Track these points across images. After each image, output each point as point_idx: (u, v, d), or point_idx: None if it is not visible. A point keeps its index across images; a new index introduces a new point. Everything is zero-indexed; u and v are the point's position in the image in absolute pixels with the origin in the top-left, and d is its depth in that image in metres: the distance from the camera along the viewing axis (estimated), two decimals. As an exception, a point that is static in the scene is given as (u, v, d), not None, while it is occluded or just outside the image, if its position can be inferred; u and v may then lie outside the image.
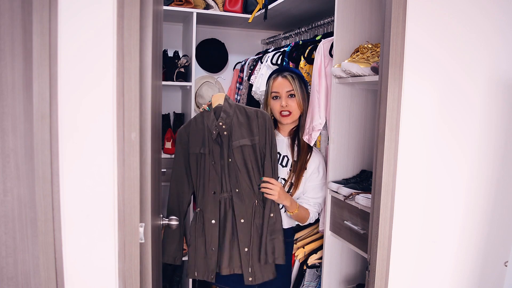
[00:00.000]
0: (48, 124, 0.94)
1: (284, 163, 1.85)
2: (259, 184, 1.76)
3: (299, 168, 1.81)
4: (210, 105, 1.83)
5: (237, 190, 1.76)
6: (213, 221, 1.77)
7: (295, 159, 1.83)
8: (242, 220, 1.75)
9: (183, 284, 2.75)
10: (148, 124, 1.11)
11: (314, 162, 1.86)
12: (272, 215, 1.75)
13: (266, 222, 1.74)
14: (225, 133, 1.75)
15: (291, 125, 1.89)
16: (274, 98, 1.85)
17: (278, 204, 1.76)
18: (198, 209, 1.82)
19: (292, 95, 1.84)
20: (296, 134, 1.87)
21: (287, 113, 1.82)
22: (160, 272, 1.67)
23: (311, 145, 2.06)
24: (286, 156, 1.85)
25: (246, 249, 1.75)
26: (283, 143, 1.88)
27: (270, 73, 1.92)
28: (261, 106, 2.50)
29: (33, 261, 0.98)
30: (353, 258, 2.01)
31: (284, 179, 1.82)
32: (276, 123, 1.90)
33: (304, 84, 1.86)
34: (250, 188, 1.76)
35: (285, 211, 1.84)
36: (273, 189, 1.72)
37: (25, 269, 0.98)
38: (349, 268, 2.01)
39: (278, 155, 1.84)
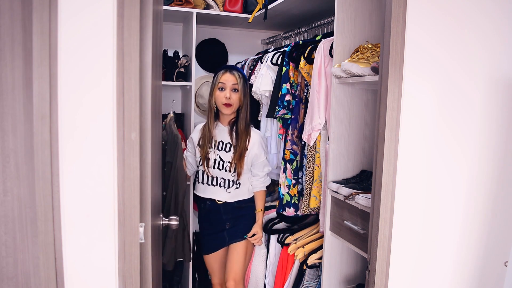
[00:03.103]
0: (48, 124, 0.94)
1: (227, 149, 2.18)
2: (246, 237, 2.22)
3: (239, 151, 2.14)
4: (165, 122, 2.27)
5: (164, 193, 2.19)
6: None
7: (234, 144, 2.16)
8: None
9: (183, 284, 2.75)
10: (148, 124, 1.11)
11: (254, 143, 2.17)
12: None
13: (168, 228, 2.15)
14: (166, 147, 2.16)
15: (230, 116, 2.19)
16: (220, 89, 2.15)
17: (175, 213, 2.19)
18: None
19: (235, 90, 2.14)
20: (234, 123, 2.19)
21: (228, 104, 2.13)
22: (160, 272, 1.67)
23: (311, 145, 2.06)
24: (229, 142, 2.18)
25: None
26: (224, 132, 2.20)
27: (220, 69, 2.25)
28: (261, 105, 2.51)
29: (33, 261, 0.98)
30: (353, 258, 2.01)
31: (229, 162, 2.16)
32: (217, 115, 2.22)
33: (246, 83, 2.20)
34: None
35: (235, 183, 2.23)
36: (259, 238, 2.23)
37: (25, 269, 0.98)
38: (349, 268, 2.01)
39: (221, 143, 2.19)
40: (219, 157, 2.18)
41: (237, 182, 2.20)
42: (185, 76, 2.85)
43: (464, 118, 1.37)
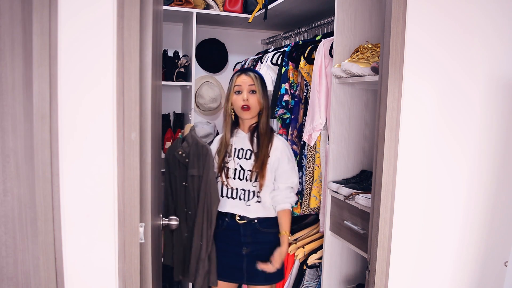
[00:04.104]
0: (48, 124, 0.94)
1: (247, 156, 1.96)
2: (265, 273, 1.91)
3: (261, 158, 1.92)
4: (182, 133, 2.05)
5: (189, 213, 1.94)
6: (186, 234, 1.95)
7: (256, 150, 1.95)
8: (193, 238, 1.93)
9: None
10: (148, 124, 1.11)
11: (276, 149, 1.94)
12: (201, 242, 1.88)
13: (197, 247, 1.90)
14: (186, 160, 1.93)
15: (251, 121, 1.98)
16: (237, 92, 1.95)
17: (209, 233, 1.90)
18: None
19: (253, 91, 1.93)
20: (255, 129, 1.98)
21: (247, 107, 1.92)
22: (160, 272, 1.67)
23: (311, 145, 2.06)
24: (249, 149, 1.97)
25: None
26: (245, 139, 1.99)
27: (234, 72, 2.08)
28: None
29: (33, 261, 0.97)
30: (353, 258, 2.01)
31: (250, 170, 1.93)
32: (237, 121, 2.01)
33: (265, 85, 1.99)
34: (194, 213, 1.91)
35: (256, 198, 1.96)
36: (275, 267, 1.89)
37: (25, 269, 0.98)
38: (349, 268, 2.01)
39: (242, 150, 1.98)
40: (240, 165, 1.96)
41: (258, 195, 1.94)
42: (185, 76, 2.85)
43: (464, 118, 1.37)
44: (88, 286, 1.05)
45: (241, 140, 1.99)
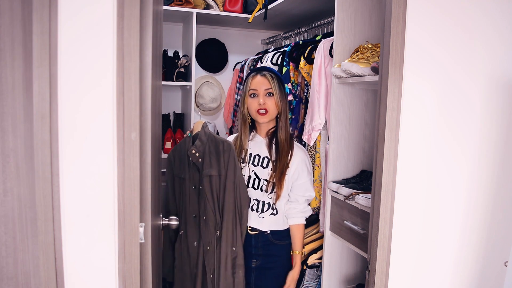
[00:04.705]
0: (48, 124, 0.94)
1: (264, 164, 1.82)
2: None
3: (280, 168, 1.78)
4: (191, 132, 1.86)
5: (204, 218, 1.76)
6: (195, 243, 1.79)
7: (274, 159, 1.81)
8: (208, 248, 1.76)
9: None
10: (148, 124, 1.11)
11: (296, 159, 1.81)
12: (234, 248, 1.74)
13: (229, 254, 1.75)
14: (199, 160, 1.76)
15: (269, 125, 1.84)
16: (252, 96, 1.80)
17: (241, 238, 1.77)
18: (182, 231, 1.83)
19: (270, 94, 1.78)
20: (274, 135, 1.83)
21: (264, 111, 1.77)
22: (160, 272, 1.67)
23: (311, 145, 2.06)
24: (267, 157, 1.83)
25: (211, 276, 1.77)
26: (262, 144, 1.85)
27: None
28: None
29: (33, 261, 0.97)
30: (353, 258, 2.01)
31: (266, 180, 1.80)
32: (254, 125, 1.88)
33: (283, 85, 1.83)
34: (214, 218, 1.76)
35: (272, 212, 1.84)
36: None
37: (25, 269, 0.98)
38: (349, 268, 2.01)
39: (258, 157, 1.84)
40: (255, 173, 1.81)
41: (274, 207, 1.81)
42: (185, 76, 2.85)
43: (464, 118, 1.37)
44: (88, 286, 1.05)
45: (258, 145, 1.85)
